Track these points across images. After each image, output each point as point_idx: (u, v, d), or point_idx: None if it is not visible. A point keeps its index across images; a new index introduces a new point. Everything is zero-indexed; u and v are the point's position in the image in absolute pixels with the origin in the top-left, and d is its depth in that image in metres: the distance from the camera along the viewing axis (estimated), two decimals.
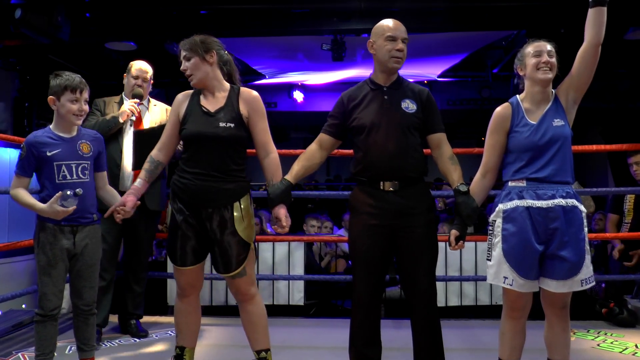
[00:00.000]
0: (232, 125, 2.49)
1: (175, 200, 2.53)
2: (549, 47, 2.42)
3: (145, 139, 3.22)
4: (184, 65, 2.54)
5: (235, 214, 2.48)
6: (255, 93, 2.61)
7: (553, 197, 2.30)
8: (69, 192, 2.36)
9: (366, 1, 5.24)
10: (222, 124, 2.48)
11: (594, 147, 3.84)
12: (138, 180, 2.60)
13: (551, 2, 5.39)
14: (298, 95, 9.64)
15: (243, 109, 2.54)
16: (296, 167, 2.58)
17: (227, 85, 2.61)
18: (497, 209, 2.41)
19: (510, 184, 2.40)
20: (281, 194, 2.48)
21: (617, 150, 3.92)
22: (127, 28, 5.83)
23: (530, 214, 2.31)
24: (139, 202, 2.61)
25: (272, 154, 2.58)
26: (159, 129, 3.26)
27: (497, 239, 2.38)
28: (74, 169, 2.50)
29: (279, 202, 2.48)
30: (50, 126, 2.55)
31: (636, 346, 3.23)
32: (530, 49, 2.44)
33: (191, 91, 2.63)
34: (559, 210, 2.29)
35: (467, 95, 9.45)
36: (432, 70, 8.62)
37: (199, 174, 2.47)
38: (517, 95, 2.49)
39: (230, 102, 2.55)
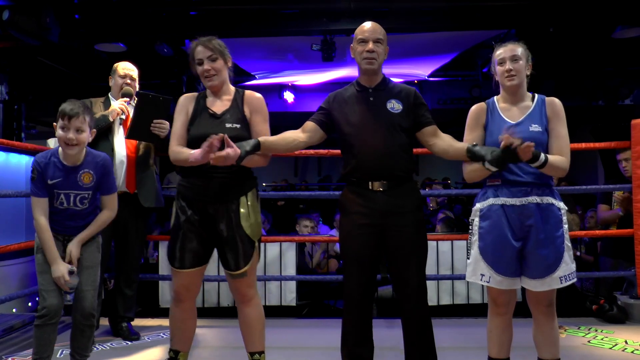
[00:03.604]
0: (238, 126, 2.50)
1: (180, 200, 2.52)
2: (513, 52, 2.41)
3: (148, 104, 3.13)
4: (208, 64, 2.50)
5: (242, 210, 2.48)
6: (258, 95, 2.62)
7: (528, 194, 2.34)
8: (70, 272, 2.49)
9: (355, 1, 5.26)
10: (228, 125, 2.49)
11: (583, 145, 3.86)
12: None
13: (540, 1, 5.42)
14: (288, 96, 9.64)
15: (247, 111, 2.56)
16: (273, 136, 2.53)
17: (233, 88, 2.62)
18: (474, 208, 2.46)
19: (487, 183, 2.45)
20: (244, 142, 2.39)
21: (606, 148, 3.94)
22: (116, 29, 5.81)
23: (505, 211, 2.35)
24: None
25: None
26: (164, 100, 3.20)
27: (475, 238, 2.42)
28: (71, 199, 2.53)
29: (236, 142, 2.36)
30: (59, 149, 2.54)
31: (626, 342, 3.26)
32: (495, 55, 2.47)
33: (195, 93, 2.63)
34: (534, 207, 2.33)
35: (458, 95, 9.49)
36: (422, 70, 8.64)
37: (205, 172, 2.45)
38: (495, 97, 2.53)
39: (235, 104, 2.56)
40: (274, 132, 2.60)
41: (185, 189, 2.51)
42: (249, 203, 2.50)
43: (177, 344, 2.62)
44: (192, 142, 2.50)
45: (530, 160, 2.26)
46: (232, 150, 2.31)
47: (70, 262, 2.51)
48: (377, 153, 2.45)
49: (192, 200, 2.49)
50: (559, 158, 2.33)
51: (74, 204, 2.53)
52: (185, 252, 2.49)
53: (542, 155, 2.27)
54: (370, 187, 2.48)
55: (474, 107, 2.53)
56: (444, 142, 2.53)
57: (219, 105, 2.56)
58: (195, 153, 2.37)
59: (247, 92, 2.62)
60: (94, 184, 2.56)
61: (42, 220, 2.50)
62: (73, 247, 2.53)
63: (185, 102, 2.59)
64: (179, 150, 2.50)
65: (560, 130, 2.40)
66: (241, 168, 2.48)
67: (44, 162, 2.52)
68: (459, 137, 2.55)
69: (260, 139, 2.46)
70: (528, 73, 2.45)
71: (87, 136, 2.51)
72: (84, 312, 2.52)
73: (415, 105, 2.55)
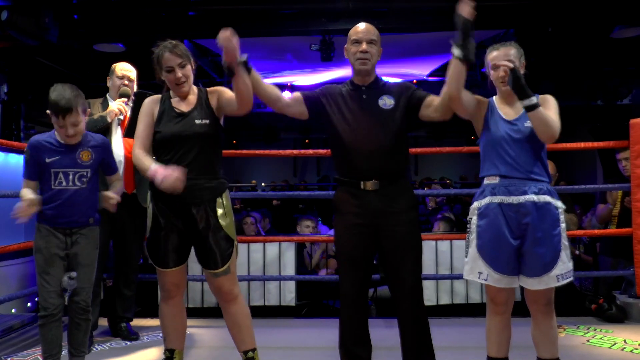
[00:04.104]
0: (207, 121, 2.52)
1: (157, 202, 2.53)
2: (506, 56, 2.41)
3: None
4: (179, 72, 2.51)
5: (219, 210, 2.51)
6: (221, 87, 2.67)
7: (524, 193, 2.34)
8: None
9: (354, 1, 5.26)
10: (197, 121, 2.51)
11: (582, 144, 3.86)
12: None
13: (539, 1, 5.43)
14: (287, 96, 9.63)
15: (213, 102, 2.58)
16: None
17: (195, 88, 2.65)
18: (472, 206, 2.47)
19: (485, 181, 2.45)
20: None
21: (605, 148, 3.95)
22: (115, 30, 5.81)
23: (502, 209, 2.35)
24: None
25: None
26: None
27: (473, 236, 2.43)
28: (70, 177, 2.52)
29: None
30: (55, 130, 2.55)
31: (624, 341, 3.26)
32: (489, 58, 2.47)
33: (159, 96, 2.64)
34: (530, 206, 2.32)
35: None
36: (421, 70, 8.66)
37: None
38: (494, 97, 2.55)
39: (201, 101, 2.59)
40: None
41: (161, 191, 2.50)
42: (224, 203, 2.54)
43: (171, 342, 2.63)
44: (163, 141, 2.52)
45: (521, 94, 2.25)
46: (236, 39, 2.34)
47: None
48: (368, 152, 2.45)
49: (170, 202, 2.49)
50: (550, 115, 2.30)
51: (73, 182, 2.52)
52: (169, 252, 2.52)
53: (534, 97, 2.26)
54: (362, 187, 2.47)
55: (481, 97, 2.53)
56: (441, 93, 2.47)
57: (185, 105, 2.57)
58: (155, 170, 2.35)
59: (209, 88, 2.66)
60: (92, 162, 2.56)
61: (25, 190, 2.50)
62: (112, 194, 2.59)
63: (150, 105, 2.60)
64: (142, 158, 2.48)
65: (549, 110, 2.36)
66: (214, 171, 2.53)
67: (41, 140, 2.52)
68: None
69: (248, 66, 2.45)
70: (522, 72, 2.45)
71: (84, 124, 2.53)
72: (77, 307, 2.54)
73: (410, 95, 2.53)
